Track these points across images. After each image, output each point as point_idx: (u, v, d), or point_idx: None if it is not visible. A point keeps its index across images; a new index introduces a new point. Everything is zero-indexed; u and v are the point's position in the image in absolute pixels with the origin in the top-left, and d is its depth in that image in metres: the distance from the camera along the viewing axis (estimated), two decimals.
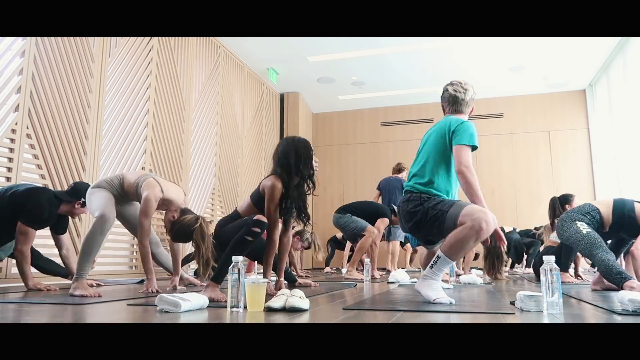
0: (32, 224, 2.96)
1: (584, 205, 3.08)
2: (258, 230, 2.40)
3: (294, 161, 2.63)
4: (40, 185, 3.37)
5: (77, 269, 2.65)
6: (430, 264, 2.26)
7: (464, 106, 2.57)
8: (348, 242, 6.29)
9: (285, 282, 2.99)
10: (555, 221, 4.02)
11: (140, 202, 2.96)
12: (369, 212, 4.93)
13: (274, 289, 2.69)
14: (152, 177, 2.99)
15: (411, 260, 7.50)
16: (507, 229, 5.94)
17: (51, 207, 3.04)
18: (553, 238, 4.23)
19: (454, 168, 2.37)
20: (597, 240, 2.77)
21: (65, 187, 3.80)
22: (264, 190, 2.63)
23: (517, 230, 6.18)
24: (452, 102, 2.58)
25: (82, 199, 3.12)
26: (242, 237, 2.37)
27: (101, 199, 2.86)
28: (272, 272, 2.81)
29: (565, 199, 4.16)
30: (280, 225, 2.76)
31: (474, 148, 2.37)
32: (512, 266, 6.41)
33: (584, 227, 2.87)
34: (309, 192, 2.74)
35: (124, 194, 3.01)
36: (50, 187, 3.76)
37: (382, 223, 4.93)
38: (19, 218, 2.94)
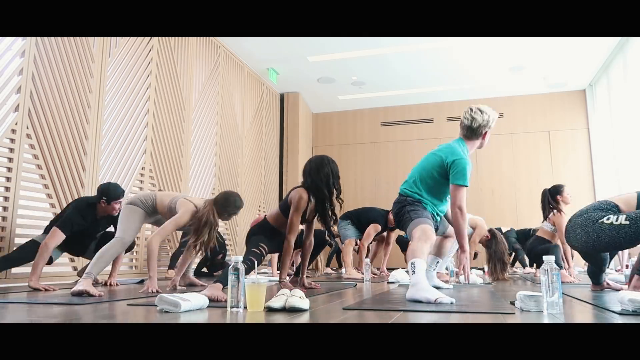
0: (60, 227, 3.15)
1: (599, 202, 2.65)
2: (254, 261, 2.65)
3: (325, 179, 2.94)
4: (86, 197, 3.57)
5: (88, 270, 2.78)
6: (410, 275, 2.35)
7: (470, 133, 2.79)
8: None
9: (308, 274, 3.41)
10: (552, 214, 4.09)
11: (167, 219, 3.21)
12: (365, 220, 5.30)
13: (298, 285, 3.08)
14: (182, 197, 3.20)
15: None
16: (504, 229, 5.95)
17: (84, 215, 3.27)
18: (545, 227, 4.27)
19: (436, 186, 2.74)
20: None
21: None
22: (291, 200, 2.94)
23: (516, 229, 6.18)
24: (461, 127, 2.83)
25: (104, 197, 3.29)
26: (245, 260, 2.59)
27: (129, 221, 3.08)
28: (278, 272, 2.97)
29: (555, 190, 4.19)
30: (297, 231, 3.02)
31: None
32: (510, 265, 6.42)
33: (614, 219, 2.43)
34: (336, 205, 3.05)
35: (155, 212, 3.22)
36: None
37: (373, 228, 5.25)
38: (55, 224, 3.21)
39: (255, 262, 2.59)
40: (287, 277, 3.16)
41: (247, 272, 2.57)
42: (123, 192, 3.39)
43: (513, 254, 6.01)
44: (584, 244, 2.56)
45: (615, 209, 2.52)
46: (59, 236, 3.14)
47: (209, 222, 3.01)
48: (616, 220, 2.41)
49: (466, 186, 2.64)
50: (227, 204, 3.08)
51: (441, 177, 2.71)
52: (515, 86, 7.90)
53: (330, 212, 3.01)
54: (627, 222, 2.37)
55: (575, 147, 7.95)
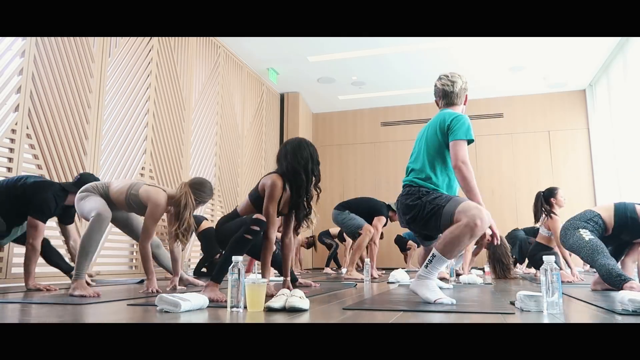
0: (41, 217, 3.01)
1: (585, 212, 3.10)
2: (257, 228, 2.39)
3: (304, 163, 2.58)
4: (47, 179, 3.38)
5: (76, 269, 2.65)
6: (425, 263, 2.23)
7: (455, 98, 2.64)
8: (348, 242, 6.32)
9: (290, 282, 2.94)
10: (543, 217, 4.22)
11: (127, 210, 3.06)
12: (365, 209, 4.99)
13: (274, 289, 2.65)
14: (146, 184, 3.00)
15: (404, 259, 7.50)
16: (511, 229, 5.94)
17: (57, 199, 3.10)
18: (542, 232, 4.31)
19: (450, 162, 2.38)
20: (599, 247, 2.83)
21: None
22: (264, 188, 2.59)
23: (521, 228, 6.18)
24: (443, 95, 2.66)
25: None
26: (242, 236, 2.38)
27: (93, 201, 2.86)
28: (274, 272, 2.77)
29: (550, 193, 4.25)
30: (277, 224, 2.69)
31: (470, 141, 2.37)
32: (513, 265, 6.40)
33: (586, 235, 2.93)
34: (314, 194, 2.69)
35: (110, 203, 2.94)
36: None
37: (379, 221, 4.96)
38: (28, 212, 3.01)
39: (259, 230, 2.39)
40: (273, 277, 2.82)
41: (251, 243, 2.39)
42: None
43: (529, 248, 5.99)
44: (562, 241, 3.12)
45: (597, 217, 3.03)
46: (41, 229, 3.00)
47: (188, 205, 2.91)
48: (584, 235, 2.95)
49: (470, 140, 2.37)
50: (202, 187, 3.01)
51: (448, 147, 2.42)
52: (515, 86, 7.90)
53: (305, 203, 2.63)
54: (587, 240, 2.89)
55: (575, 147, 7.95)
